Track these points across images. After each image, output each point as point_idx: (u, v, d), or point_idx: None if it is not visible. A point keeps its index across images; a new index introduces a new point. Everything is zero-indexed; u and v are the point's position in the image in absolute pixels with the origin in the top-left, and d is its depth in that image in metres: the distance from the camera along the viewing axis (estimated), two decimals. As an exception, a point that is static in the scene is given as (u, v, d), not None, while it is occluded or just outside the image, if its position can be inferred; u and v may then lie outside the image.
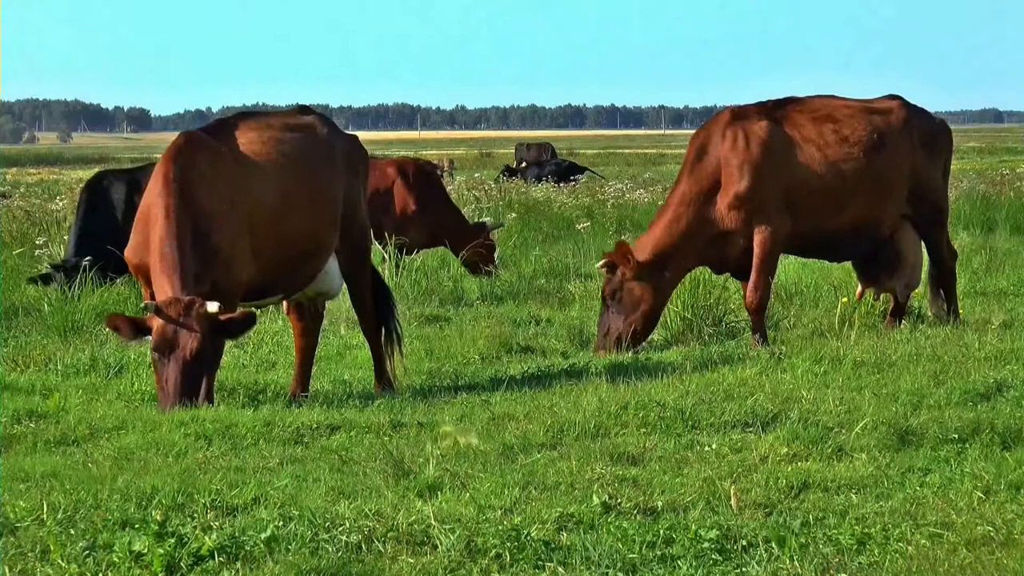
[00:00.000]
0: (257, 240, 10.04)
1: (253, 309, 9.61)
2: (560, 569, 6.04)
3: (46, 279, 15.39)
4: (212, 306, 9.35)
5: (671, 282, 12.56)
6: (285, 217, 10.24)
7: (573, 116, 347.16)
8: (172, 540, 6.08)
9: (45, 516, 6.62)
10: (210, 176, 9.93)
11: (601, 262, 12.50)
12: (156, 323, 9.37)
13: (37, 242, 17.63)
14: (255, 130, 10.37)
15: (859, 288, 13.36)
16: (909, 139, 13.08)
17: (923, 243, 13.29)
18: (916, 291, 13.49)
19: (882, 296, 13.28)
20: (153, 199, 9.83)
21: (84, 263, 15.11)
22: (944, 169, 13.45)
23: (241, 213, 9.97)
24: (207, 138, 10.19)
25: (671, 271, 12.48)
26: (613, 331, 12.29)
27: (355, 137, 11.16)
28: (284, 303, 11.04)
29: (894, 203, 12.99)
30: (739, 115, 12.72)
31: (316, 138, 10.65)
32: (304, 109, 11.10)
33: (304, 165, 10.44)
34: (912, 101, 13.32)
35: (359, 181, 10.97)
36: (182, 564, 6.01)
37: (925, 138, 13.20)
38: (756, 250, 12.44)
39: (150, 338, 9.41)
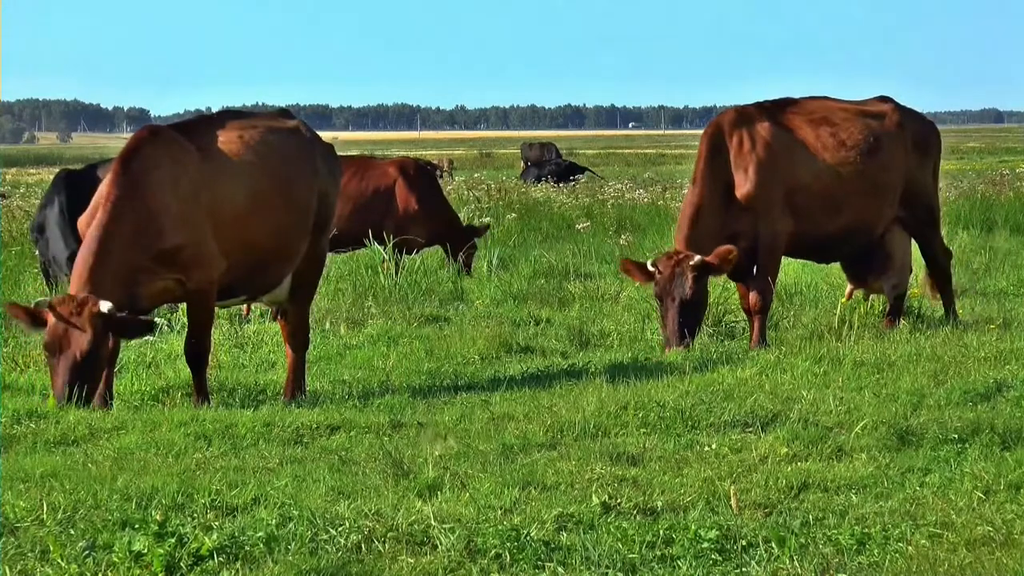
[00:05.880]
0: (226, 239, 9.90)
1: (153, 318, 9.48)
2: (560, 569, 6.04)
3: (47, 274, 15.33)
4: (104, 306, 9.32)
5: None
6: (257, 218, 10.10)
7: (573, 116, 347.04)
8: (172, 540, 6.08)
9: (45, 516, 6.62)
10: (172, 173, 9.78)
11: (696, 259, 12.00)
12: (49, 321, 9.39)
13: (37, 242, 17.59)
14: (237, 129, 10.24)
15: (848, 288, 13.38)
16: (903, 142, 13.11)
17: (917, 244, 13.32)
18: (914, 291, 13.49)
19: (881, 296, 13.28)
20: (103, 189, 9.74)
21: None
22: (934, 170, 13.48)
23: (207, 211, 9.83)
24: (174, 134, 10.01)
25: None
26: (690, 326, 12.07)
27: (331, 145, 11.09)
28: (245, 306, 10.95)
29: (889, 205, 13.01)
30: (743, 116, 12.71)
31: (299, 142, 10.57)
32: (285, 113, 10.99)
33: (282, 167, 10.32)
34: (912, 101, 13.40)
35: (335, 190, 10.89)
36: (182, 564, 6.01)
37: (918, 140, 13.24)
38: (760, 252, 12.43)
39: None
